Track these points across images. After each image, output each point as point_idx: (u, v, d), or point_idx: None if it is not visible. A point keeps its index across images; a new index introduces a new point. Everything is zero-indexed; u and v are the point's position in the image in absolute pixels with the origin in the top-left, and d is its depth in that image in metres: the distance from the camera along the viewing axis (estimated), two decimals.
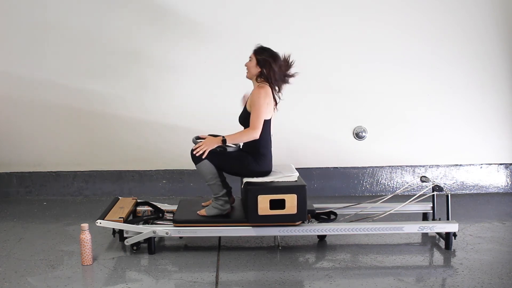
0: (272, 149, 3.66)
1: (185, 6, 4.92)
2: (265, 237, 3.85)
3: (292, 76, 3.66)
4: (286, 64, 3.63)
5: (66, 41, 4.95)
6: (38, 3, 4.90)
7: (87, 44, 4.96)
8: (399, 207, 3.86)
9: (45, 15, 4.92)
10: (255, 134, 3.48)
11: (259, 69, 3.58)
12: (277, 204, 3.43)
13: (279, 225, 3.49)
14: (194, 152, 3.48)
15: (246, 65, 3.64)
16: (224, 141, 3.48)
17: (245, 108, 3.62)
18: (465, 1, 4.99)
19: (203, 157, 3.47)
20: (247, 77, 3.67)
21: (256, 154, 3.55)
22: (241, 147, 3.67)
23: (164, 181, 5.17)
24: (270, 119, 3.59)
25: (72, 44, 4.96)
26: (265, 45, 3.65)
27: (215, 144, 3.49)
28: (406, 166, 5.21)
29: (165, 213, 3.88)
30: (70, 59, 4.98)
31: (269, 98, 3.54)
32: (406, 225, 3.59)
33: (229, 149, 3.52)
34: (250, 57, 3.63)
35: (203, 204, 3.87)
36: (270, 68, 3.55)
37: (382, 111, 5.11)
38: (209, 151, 3.47)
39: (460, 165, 5.22)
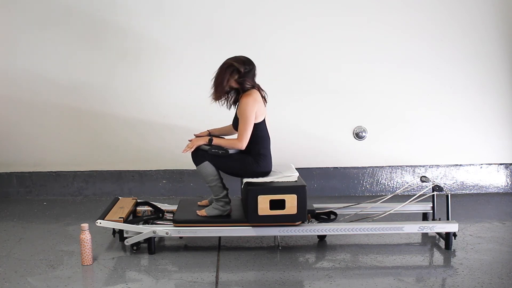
0: (272, 149, 3.66)
1: (184, 6, 4.92)
2: (265, 237, 3.85)
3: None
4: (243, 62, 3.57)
5: (66, 41, 4.95)
6: (38, 2, 4.90)
7: (87, 44, 4.96)
8: (399, 207, 3.86)
9: (45, 15, 4.92)
10: (241, 145, 3.49)
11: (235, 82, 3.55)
12: (277, 204, 3.43)
13: (279, 225, 3.49)
14: (183, 151, 3.51)
15: None
16: (210, 140, 3.51)
17: (236, 114, 3.63)
18: (465, 1, 4.99)
19: (192, 150, 3.49)
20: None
21: (256, 155, 3.55)
22: None
23: (164, 181, 5.16)
24: (264, 120, 3.57)
25: (72, 44, 4.96)
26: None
27: (201, 141, 3.52)
28: (406, 166, 5.21)
29: (165, 213, 3.87)
30: (70, 59, 4.97)
31: (258, 103, 3.51)
32: (406, 225, 3.59)
33: (230, 151, 3.53)
34: None
35: (199, 203, 3.87)
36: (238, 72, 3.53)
37: (382, 111, 5.11)
38: (211, 154, 3.49)
39: (460, 165, 5.22)
